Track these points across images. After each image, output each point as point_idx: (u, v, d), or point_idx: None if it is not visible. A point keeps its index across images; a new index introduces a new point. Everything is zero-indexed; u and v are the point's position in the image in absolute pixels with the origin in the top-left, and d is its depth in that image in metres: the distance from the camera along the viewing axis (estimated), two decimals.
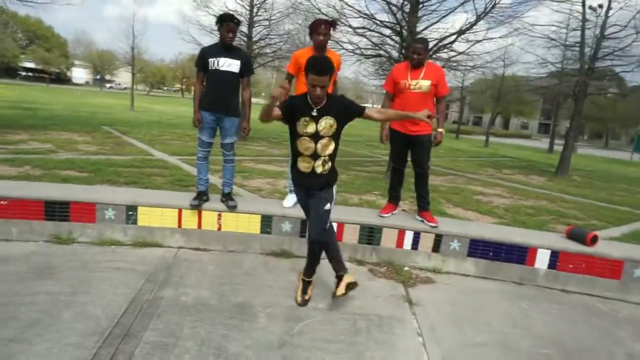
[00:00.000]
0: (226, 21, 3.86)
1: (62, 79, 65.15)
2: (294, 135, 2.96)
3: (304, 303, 3.15)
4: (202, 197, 4.14)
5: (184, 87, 71.70)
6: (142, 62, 40.33)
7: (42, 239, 3.87)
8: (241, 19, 12.75)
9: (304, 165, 2.98)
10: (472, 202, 6.86)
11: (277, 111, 2.81)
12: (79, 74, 70.52)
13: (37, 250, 3.69)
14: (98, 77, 66.07)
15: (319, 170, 2.97)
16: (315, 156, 2.94)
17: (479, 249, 4.08)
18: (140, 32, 36.97)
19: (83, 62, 64.65)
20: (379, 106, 4.22)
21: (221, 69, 3.88)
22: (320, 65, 2.73)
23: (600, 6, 12.22)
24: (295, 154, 3.01)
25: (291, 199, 4.25)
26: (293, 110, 2.88)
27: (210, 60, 3.88)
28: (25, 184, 4.37)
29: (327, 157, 2.97)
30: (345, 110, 2.95)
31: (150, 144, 10.33)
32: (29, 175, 5.62)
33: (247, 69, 4.02)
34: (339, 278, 3.12)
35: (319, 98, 2.81)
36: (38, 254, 3.60)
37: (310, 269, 3.18)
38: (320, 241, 3.01)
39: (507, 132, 52.99)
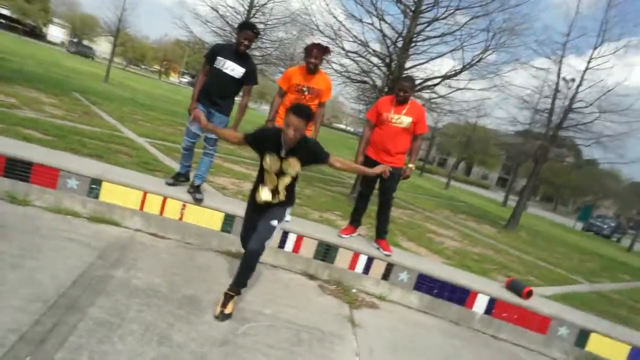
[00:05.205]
0: (247, 29, 3.99)
1: (36, 34, 62.24)
2: (261, 162, 3.12)
3: (224, 318, 2.94)
4: (179, 178, 4.30)
5: (162, 69, 70.07)
6: (126, 36, 39.21)
7: None
8: (238, 17, 12.82)
9: (264, 194, 3.12)
10: (425, 239, 7.11)
11: (237, 135, 3.07)
12: (56, 32, 67.61)
13: None
14: (75, 39, 63.60)
15: (275, 201, 3.13)
16: (275, 191, 3.11)
17: (425, 284, 4.28)
18: (131, 6, 35.97)
19: (62, 21, 62.20)
20: (363, 131, 4.52)
21: (224, 70, 3.99)
22: (302, 110, 2.87)
23: (573, 80, 13.13)
24: (259, 180, 3.17)
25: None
26: (263, 142, 3.04)
27: (219, 59, 4.00)
28: None
29: (284, 188, 3.13)
30: (312, 157, 3.09)
31: (120, 121, 10.09)
32: None
33: (249, 79, 4.14)
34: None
35: (291, 140, 2.89)
36: None
37: (242, 280, 3.04)
38: (257, 251, 2.97)
39: (468, 179, 54.92)
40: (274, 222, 3.07)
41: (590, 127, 12.80)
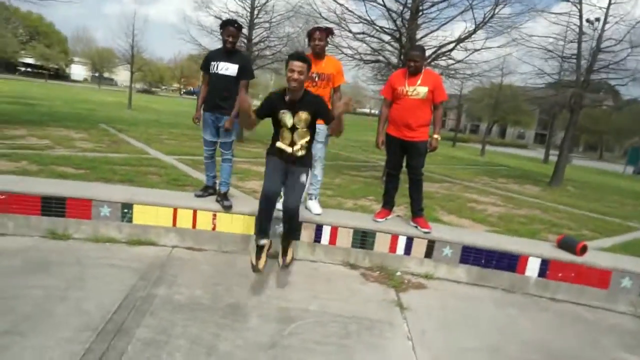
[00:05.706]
0: (228, 25, 3.99)
1: (60, 75, 64.97)
2: (275, 124, 3.39)
3: (286, 266, 3.49)
4: (207, 190, 4.36)
5: (182, 86, 71.55)
6: (142, 61, 40.12)
7: (37, 234, 3.89)
8: (242, 20, 12.84)
9: (283, 145, 3.36)
10: (466, 210, 6.91)
11: (253, 118, 3.22)
12: (78, 70, 70.30)
13: (32, 245, 3.70)
14: (97, 74, 65.85)
15: (297, 153, 3.38)
16: (292, 144, 3.36)
17: (471, 256, 4.13)
18: (140, 31, 36.78)
19: (82, 58, 64.50)
20: (380, 110, 4.54)
21: (220, 72, 4.03)
22: (300, 54, 3.26)
23: (597, 20, 12.37)
24: (275, 138, 3.42)
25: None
26: (271, 105, 3.30)
27: (212, 63, 4.07)
28: (22, 179, 4.38)
29: (304, 144, 3.36)
30: (318, 111, 3.31)
31: (147, 143, 10.35)
32: (26, 171, 5.64)
33: (244, 73, 4.10)
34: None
35: (296, 86, 3.15)
36: (33, 249, 3.62)
37: (292, 232, 3.51)
38: (297, 206, 3.33)
39: (504, 141, 53.18)
40: (303, 178, 3.38)
41: (624, 65, 12.08)
